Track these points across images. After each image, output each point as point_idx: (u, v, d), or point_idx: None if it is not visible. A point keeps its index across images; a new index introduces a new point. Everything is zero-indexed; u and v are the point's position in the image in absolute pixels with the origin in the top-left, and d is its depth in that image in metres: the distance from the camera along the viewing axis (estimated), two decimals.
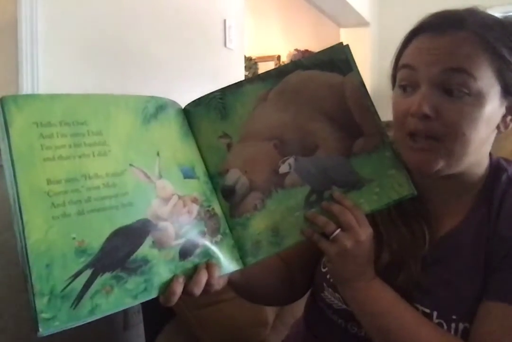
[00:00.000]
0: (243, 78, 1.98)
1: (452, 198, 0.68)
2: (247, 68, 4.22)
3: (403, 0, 3.72)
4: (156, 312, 1.18)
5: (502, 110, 0.62)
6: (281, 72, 0.66)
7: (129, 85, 1.35)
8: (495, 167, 0.68)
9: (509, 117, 0.64)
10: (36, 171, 0.49)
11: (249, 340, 1.15)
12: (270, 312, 1.18)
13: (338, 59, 0.64)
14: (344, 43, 0.65)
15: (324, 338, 0.76)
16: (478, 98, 0.59)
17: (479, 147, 0.63)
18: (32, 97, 0.53)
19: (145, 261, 0.54)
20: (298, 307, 0.89)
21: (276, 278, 0.78)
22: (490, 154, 0.70)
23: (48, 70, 1.09)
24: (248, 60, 4.39)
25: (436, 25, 0.61)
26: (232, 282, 0.64)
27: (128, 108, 0.59)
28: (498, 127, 0.63)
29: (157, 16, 1.46)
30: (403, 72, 0.64)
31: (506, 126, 0.64)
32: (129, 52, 1.37)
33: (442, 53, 0.59)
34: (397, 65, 0.66)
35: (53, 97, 0.54)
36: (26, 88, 1.02)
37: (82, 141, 0.53)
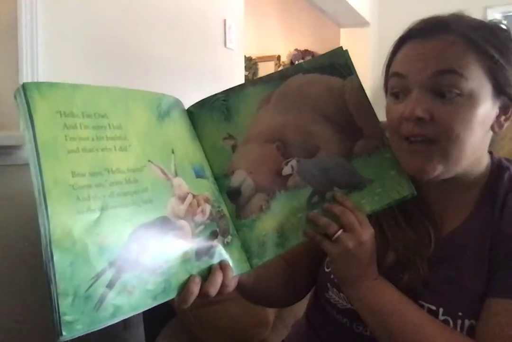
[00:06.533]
0: (243, 78, 1.99)
1: (454, 197, 0.68)
2: (247, 68, 4.21)
3: (403, 0, 3.73)
4: (156, 312, 1.19)
5: (495, 111, 0.63)
6: (283, 75, 0.67)
7: (129, 85, 1.35)
8: (497, 166, 0.69)
9: (502, 117, 0.64)
10: (60, 162, 0.47)
11: (249, 340, 1.15)
12: (270, 312, 1.19)
13: (338, 63, 0.66)
14: (344, 43, 0.66)
15: (328, 337, 0.76)
16: (470, 99, 0.59)
17: (476, 149, 0.63)
18: (54, 85, 0.50)
19: (165, 260, 0.52)
20: (299, 307, 0.89)
21: (280, 280, 0.78)
22: (491, 153, 0.70)
23: (48, 70, 1.09)
24: (248, 60, 4.39)
25: (422, 31, 0.62)
26: (239, 283, 0.64)
27: (144, 103, 0.58)
28: (492, 128, 0.63)
29: (157, 16, 1.46)
30: (393, 80, 0.65)
31: (500, 127, 0.64)
32: (129, 52, 1.37)
33: (430, 57, 0.60)
34: (388, 74, 0.68)
35: (74, 86, 0.51)
36: None
37: (104, 135, 0.51)
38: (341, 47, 0.66)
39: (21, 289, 1.05)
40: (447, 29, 0.61)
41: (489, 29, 0.62)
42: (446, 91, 0.59)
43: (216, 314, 1.12)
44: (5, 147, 0.99)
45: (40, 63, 1.07)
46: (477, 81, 0.59)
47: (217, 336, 1.14)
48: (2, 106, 1.04)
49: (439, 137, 0.60)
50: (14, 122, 1.03)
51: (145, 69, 1.42)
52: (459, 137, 0.59)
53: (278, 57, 4.59)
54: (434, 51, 0.60)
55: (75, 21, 1.18)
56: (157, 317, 1.22)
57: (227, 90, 0.67)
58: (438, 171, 0.61)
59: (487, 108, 0.61)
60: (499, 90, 0.61)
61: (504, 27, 0.64)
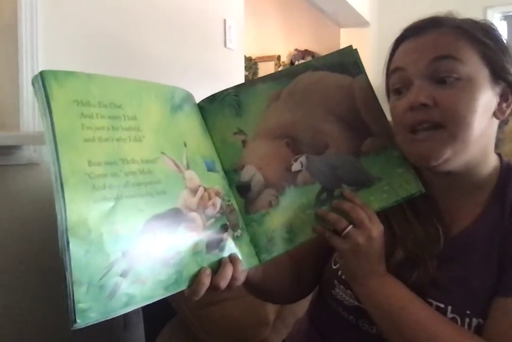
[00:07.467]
0: (243, 78, 1.99)
1: (463, 196, 0.68)
2: (247, 68, 4.22)
3: (403, 0, 3.72)
4: (156, 312, 1.19)
5: (496, 97, 0.64)
6: (292, 72, 0.68)
7: None
8: (506, 167, 0.69)
9: (504, 105, 0.65)
10: (77, 151, 0.47)
11: (249, 340, 1.15)
12: (270, 311, 1.18)
13: (347, 62, 0.67)
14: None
15: (331, 335, 0.76)
16: (470, 83, 0.61)
17: (482, 136, 0.63)
18: (71, 74, 0.50)
19: (177, 252, 0.53)
20: (299, 307, 0.90)
21: (286, 276, 0.79)
22: (500, 155, 0.70)
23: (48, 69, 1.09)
24: (248, 60, 4.39)
25: (416, 29, 0.65)
26: (246, 278, 0.64)
27: (157, 96, 0.58)
28: (495, 114, 0.64)
29: (157, 16, 1.46)
30: (394, 76, 0.66)
31: (503, 113, 0.65)
32: (129, 52, 1.37)
33: (426, 47, 0.62)
34: (388, 73, 0.69)
35: (90, 76, 0.52)
36: (26, 86, 1.02)
37: (119, 125, 0.52)
38: (351, 46, 0.67)
39: (20, 288, 1.05)
40: (439, 24, 0.64)
41: (480, 24, 0.65)
42: (445, 77, 0.61)
43: (216, 314, 1.12)
44: (5, 148, 0.99)
45: (40, 63, 1.07)
46: (474, 65, 0.61)
47: (217, 336, 1.14)
48: (3, 106, 1.04)
49: (446, 121, 0.60)
50: (14, 122, 1.03)
51: (145, 69, 1.42)
52: (466, 119, 0.60)
53: (278, 57, 4.59)
54: (429, 42, 0.63)
55: (75, 21, 1.18)
56: (157, 317, 1.22)
57: (237, 86, 0.67)
58: (447, 155, 0.61)
59: (487, 93, 0.62)
60: (496, 75, 0.63)
61: (492, 26, 0.66)
